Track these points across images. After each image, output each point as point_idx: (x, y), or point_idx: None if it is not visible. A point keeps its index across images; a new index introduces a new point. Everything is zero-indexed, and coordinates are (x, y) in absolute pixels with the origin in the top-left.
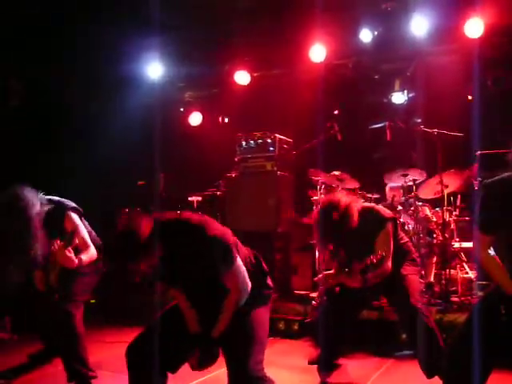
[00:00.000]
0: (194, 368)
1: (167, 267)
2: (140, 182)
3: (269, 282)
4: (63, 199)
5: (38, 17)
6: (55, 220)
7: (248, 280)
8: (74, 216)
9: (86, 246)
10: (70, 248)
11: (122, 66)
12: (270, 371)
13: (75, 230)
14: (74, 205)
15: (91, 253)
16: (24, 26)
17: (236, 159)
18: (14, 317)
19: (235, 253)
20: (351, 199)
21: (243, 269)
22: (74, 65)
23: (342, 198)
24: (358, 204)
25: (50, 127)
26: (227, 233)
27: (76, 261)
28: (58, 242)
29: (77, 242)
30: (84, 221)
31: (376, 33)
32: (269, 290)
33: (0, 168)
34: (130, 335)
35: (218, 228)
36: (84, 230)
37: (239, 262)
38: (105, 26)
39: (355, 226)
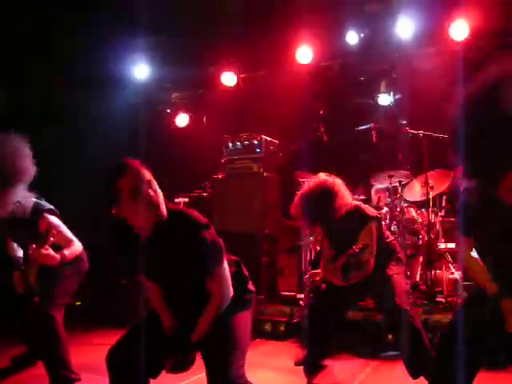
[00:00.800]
0: (168, 371)
1: (153, 255)
2: None
3: (250, 286)
4: (40, 201)
5: (26, 16)
6: (30, 221)
7: (231, 286)
8: (50, 217)
9: (69, 241)
10: (46, 246)
11: (109, 66)
12: (256, 373)
13: (49, 229)
14: (50, 206)
15: (75, 247)
16: (12, 25)
17: (222, 160)
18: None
19: (224, 256)
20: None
21: (228, 274)
22: (61, 65)
23: (328, 179)
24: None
25: (37, 127)
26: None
27: (58, 256)
28: (34, 245)
29: (53, 240)
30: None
31: (362, 35)
32: (250, 294)
33: None
34: (116, 337)
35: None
36: (64, 226)
37: (226, 265)
38: (92, 27)
39: (340, 223)
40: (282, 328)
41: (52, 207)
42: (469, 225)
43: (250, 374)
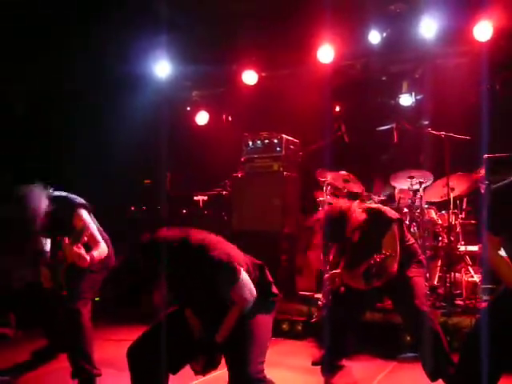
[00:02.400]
0: (196, 373)
1: (170, 284)
2: (146, 181)
3: (274, 290)
4: (72, 195)
5: (49, 15)
6: (64, 217)
7: (253, 289)
8: (83, 212)
9: (96, 242)
10: (79, 245)
11: (130, 64)
12: (273, 372)
13: (84, 227)
14: (82, 201)
15: (102, 249)
16: (33, 26)
17: (242, 159)
18: (19, 313)
19: (238, 268)
20: (351, 203)
21: (248, 280)
22: (86, 63)
23: (342, 204)
24: (359, 207)
25: (60, 125)
26: (227, 248)
27: (88, 258)
28: (67, 239)
29: (86, 239)
30: (92, 217)
31: (384, 34)
32: (273, 298)
33: (12, 166)
34: (137, 334)
35: (219, 247)
36: (93, 226)
37: (243, 275)
38: (114, 25)
39: (361, 227)
40: (300, 327)
41: (85, 202)
42: (498, 223)
43: (267, 373)
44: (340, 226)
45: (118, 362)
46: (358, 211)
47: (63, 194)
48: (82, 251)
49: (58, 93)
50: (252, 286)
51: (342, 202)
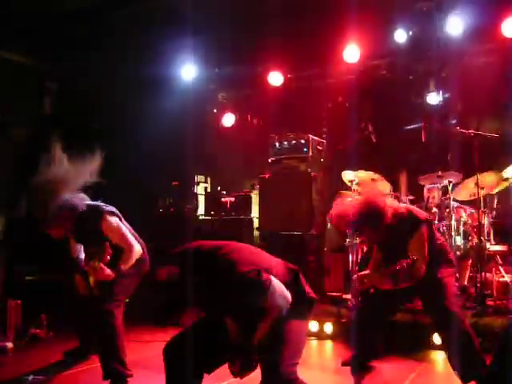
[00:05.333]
0: (235, 375)
1: (199, 296)
2: (174, 183)
3: (308, 295)
4: (101, 203)
5: (78, 18)
6: (92, 224)
7: (287, 294)
8: (112, 219)
9: (130, 246)
10: (101, 264)
11: (157, 67)
12: (301, 372)
13: (108, 238)
14: (112, 209)
15: (135, 253)
16: (64, 27)
17: (269, 160)
18: (50, 314)
19: (267, 279)
20: (385, 199)
21: (280, 286)
22: (113, 66)
23: (377, 198)
24: (392, 204)
25: (86, 128)
26: (258, 259)
27: (111, 274)
28: (91, 263)
29: (116, 242)
30: (126, 223)
31: (411, 33)
32: (307, 304)
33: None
34: (167, 334)
35: (249, 261)
36: (125, 229)
37: (273, 284)
38: (141, 27)
39: (390, 227)
40: (329, 328)
41: (113, 209)
42: None
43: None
44: (374, 222)
45: (150, 363)
46: (391, 207)
47: (92, 202)
48: (106, 270)
49: (82, 92)
50: (285, 291)
51: (376, 195)
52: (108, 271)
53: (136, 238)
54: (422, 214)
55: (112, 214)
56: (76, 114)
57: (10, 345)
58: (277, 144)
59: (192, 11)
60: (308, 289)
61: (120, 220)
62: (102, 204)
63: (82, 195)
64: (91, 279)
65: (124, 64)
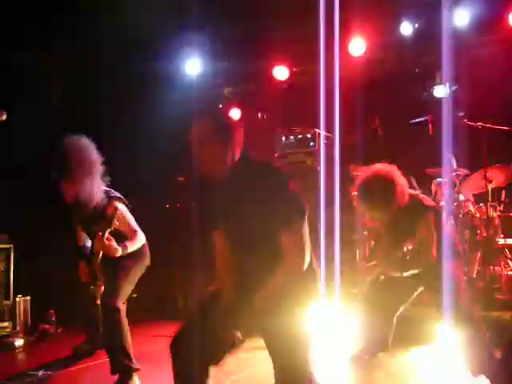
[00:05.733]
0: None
1: (228, 199)
2: (180, 178)
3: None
4: (109, 189)
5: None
6: (99, 209)
7: (308, 254)
8: (119, 205)
9: (134, 232)
10: (109, 236)
11: (162, 62)
12: None
13: (116, 213)
14: (119, 195)
15: (139, 239)
16: (65, 26)
17: (276, 155)
18: (59, 309)
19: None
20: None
21: (308, 239)
22: (113, 62)
23: (396, 173)
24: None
25: (92, 125)
26: None
27: (119, 248)
28: (100, 233)
29: (117, 224)
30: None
31: (416, 25)
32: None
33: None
34: (173, 329)
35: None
36: (130, 216)
37: (307, 228)
38: (145, 23)
39: (400, 210)
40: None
41: (120, 195)
42: None
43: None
44: (387, 194)
45: (156, 357)
46: (405, 189)
47: (105, 187)
48: (113, 242)
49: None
50: (308, 250)
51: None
52: (115, 245)
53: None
54: (429, 201)
55: (119, 199)
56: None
57: (19, 341)
58: (283, 138)
59: (197, 6)
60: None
61: (126, 207)
62: (110, 189)
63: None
64: (95, 266)
65: (125, 60)
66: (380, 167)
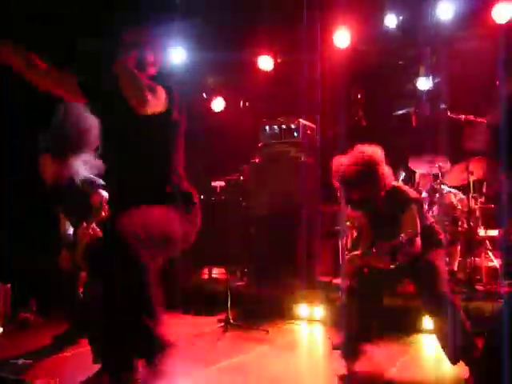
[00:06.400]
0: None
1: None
2: None
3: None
4: (96, 178)
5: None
6: (83, 196)
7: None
8: (104, 193)
9: None
10: (94, 227)
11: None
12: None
13: (103, 204)
14: (104, 183)
15: None
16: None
17: (259, 145)
18: (40, 298)
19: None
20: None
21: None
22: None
23: (379, 161)
24: (390, 177)
25: None
26: None
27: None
28: (85, 223)
29: (104, 215)
30: None
31: (401, 17)
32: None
33: None
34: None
35: None
36: None
37: None
38: (129, 11)
39: (383, 201)
40: (319, 312)
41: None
42: None
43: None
44: (370, 185)
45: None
46: (388, 178)
47: (91, 176)
48: (98, 233)
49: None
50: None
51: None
52: (100, 232)
53: None
54: (412, 192)
55: (105, 188)
56: None
57: None
58: (267, 128)
59: None
60: None
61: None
62: (95, 178)
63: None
64: (77, 254)
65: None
66: (364, 149)
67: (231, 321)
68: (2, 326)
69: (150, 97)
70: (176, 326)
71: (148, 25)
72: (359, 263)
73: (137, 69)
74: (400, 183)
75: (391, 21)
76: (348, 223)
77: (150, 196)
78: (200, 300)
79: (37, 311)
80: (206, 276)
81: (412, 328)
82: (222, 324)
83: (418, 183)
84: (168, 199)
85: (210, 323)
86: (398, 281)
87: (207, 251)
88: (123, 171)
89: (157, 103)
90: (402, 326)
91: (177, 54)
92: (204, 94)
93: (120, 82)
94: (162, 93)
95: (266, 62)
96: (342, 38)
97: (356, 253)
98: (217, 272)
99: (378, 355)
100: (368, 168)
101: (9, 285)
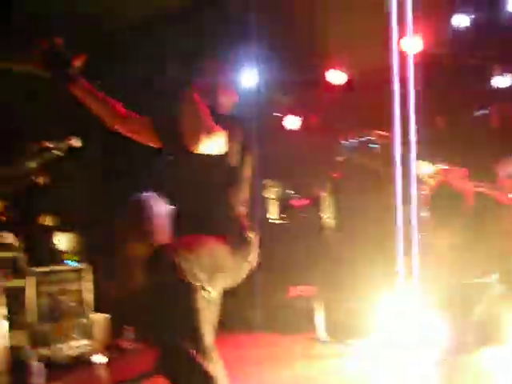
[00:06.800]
0: None
1: None
2: None
3: None
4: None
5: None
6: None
7: None
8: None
9: None
10: None
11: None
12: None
13: None
14: None
15: None
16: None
17: (338, 159)
18: (138, 324)
19: None
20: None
21: None
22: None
23: (454, 178)
24: (469, 186)
25: None
26: None
27: None
28: None
29: None
30: None
31: (472, 17)
32: None
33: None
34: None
35: None
36: None
37: None
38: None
39: (468, 211)
40: None
41: None
42: None
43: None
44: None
45: None
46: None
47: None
48: None
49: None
50: None
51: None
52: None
53: None
54: (503, 198)
55: None
56: None
57: (99, 357)
58: (345, 142)
59: (254, 16)
60: None
61: None
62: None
63: None
64: None
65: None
66: (450, 174)
67: (322, 338)
68: (102, 355)
69: (204, 137)
70: (267, 346)
71: (219, 56)
72: (455, 274)
73: (202, 105)
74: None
75: (463, 21)
76: None
77: (205, 229)
78: (287, 318)
79: (135, 339)
80: (292, 294)
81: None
82: (314, 341)
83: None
84: (224, 234)
85: (300, 340)
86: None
87: (293, 269)
88: (182, 204)
89: (213, 145)
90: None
91: (248, 76)
92: (277, 113)
93: (181, 116)
94: (222, 136)
95: (337, 76)
96: (413, 43)
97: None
98: (304, 289)
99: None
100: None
101: (108, 315)
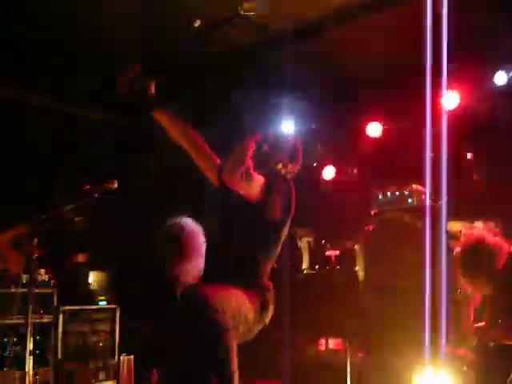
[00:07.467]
0: None
1: None
2: None
3: None
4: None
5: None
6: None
7: None
8: None
9: None
10: None
11: (259, 125)
12: None
13: None
14: None
15: None
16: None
17: (372, 212)
18: (163, 368)
19: None
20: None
21: None
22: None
23: (488, 235)
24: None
25: None
26: None
27: None
28: None
29: None
30: None
31: (511, 74)
32: None
33: None
34: None
35: None
36: None
37: None
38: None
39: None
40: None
41: None
42: None
43: None
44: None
45: None
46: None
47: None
48: None
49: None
50: None
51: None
52: None
53: None
54: None
55: None
56: None
57: None
58: (379, 195)
59: (291, 70)
60: None
61: None
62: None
63: None
64: None
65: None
66: (481, 235)
67: None
68: None
69: (239, 172)
70: None
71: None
72: (485, 336)
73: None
74: None
75: (501, 78)
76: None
77: (232, 278)
78: (317, 372)
79: (159, 381)
80: (322, 347)
81: None
82: None
83: None
84: (249, 287)
85: None
86: None
87: (324, 321)
88: (213, 247)
89: (246, 185)
90: None
91: (287, 126)
92: (314, 164)
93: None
94: (258, 182)
95: (374, 129)
96: (450, 99)
97: (481, 324)
98: (334, 342)
99: None
100: (490, 251)
101: (132, 356)
